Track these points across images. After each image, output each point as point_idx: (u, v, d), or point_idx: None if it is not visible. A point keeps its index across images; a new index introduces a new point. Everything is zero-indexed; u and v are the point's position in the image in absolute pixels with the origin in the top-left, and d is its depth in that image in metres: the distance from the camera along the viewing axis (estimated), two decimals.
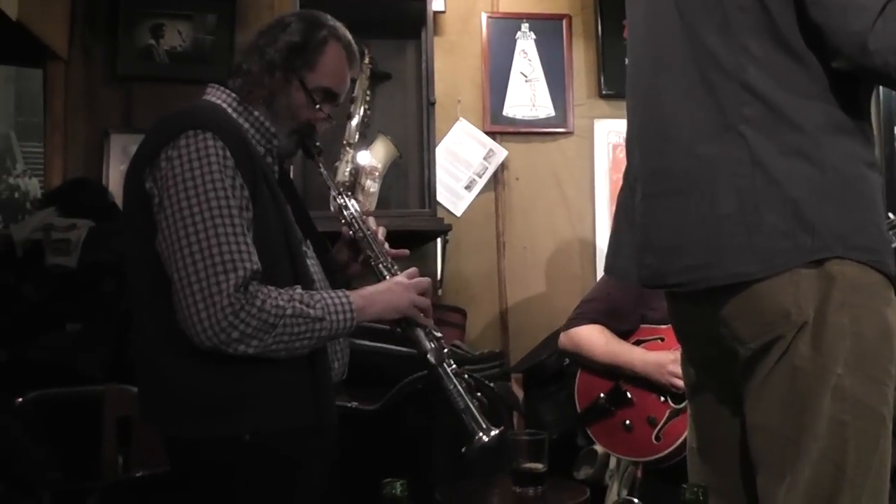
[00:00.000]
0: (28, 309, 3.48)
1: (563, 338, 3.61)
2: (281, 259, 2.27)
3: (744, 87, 1.86)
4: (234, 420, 2.19)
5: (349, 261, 2.62)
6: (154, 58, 4.29)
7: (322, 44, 2.44)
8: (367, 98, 4.16)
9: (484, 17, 4.56)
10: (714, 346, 2.01)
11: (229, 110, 2.38)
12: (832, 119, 1.85)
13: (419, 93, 4.29)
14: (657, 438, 3.29)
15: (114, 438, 2.90)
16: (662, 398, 3.34)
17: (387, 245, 2.56)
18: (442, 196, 4.33)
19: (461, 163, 4.44)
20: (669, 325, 3.33)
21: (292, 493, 2.27)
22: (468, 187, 4.45)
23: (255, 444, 2.20)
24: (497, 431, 2.32)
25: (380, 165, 4.07)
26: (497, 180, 4.50)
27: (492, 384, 3.52)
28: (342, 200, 2.57)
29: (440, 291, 4.28)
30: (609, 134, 4.55)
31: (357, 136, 4.09)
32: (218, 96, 2.42)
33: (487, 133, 4.48)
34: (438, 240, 4.27)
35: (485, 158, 4.46)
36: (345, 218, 2.56)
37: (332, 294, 2.28)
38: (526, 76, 4.55)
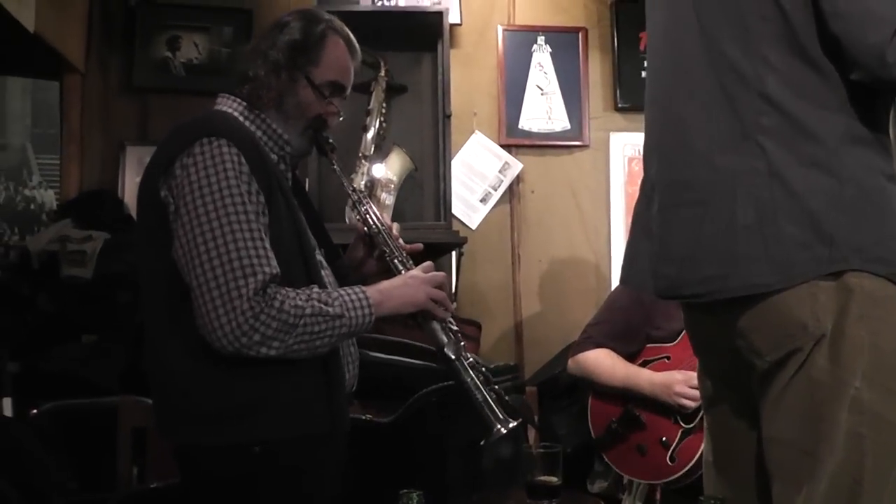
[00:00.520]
0: (43, 320, 3.50)
1: (570, 363, 3.62)
2: (295, 266, 2.27)
3: (763, 97, 1.85)
4: (247, 427, 2.19)
5: (364, 257, 2.60)
6: (170, 70, 4.31)
7: (322, 38, 2.45)
8: (383, 110, 4.16)
9: (500, 29, 4.57)
10: (731, 358, 2.00)
11: (241, 118, 2.39)
12: (851, 130, 1.84)
13: (435, 105, 4.29)
14: (672, 459, 3.29)
15: (129, 449, 2.90)
16: (673, 419, 3.34)
17: (401, 240, 2.56)
18: (457, 209, 4.34)
19: (477, 175, 4.44)
20: (675, 343, 3.37)
21: (304, 502, 2.27)
22: (483, 200, 4.45)
23: (266, 452, 2.20)
24: (515, 423, 2.31)
25: (395, 178, 4.07)
26: (512, 193, 4.51)
27: (506, 397, 3.51)
28: (356, 196, 2.57)
29: (455, 304, 4.27)
30: (625, 147, 4.55)
31: (373, 149, 4.09)
32: (229, 105, 2.42)
33: (503, 146, 4.49)
34: (453, 252, 4.27)
35: (500, 171, 4.46)
36: (359, 213, 2.56)
37: (349, 290, 2.28)
38: (542, 89, 4.55)
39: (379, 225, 2.53)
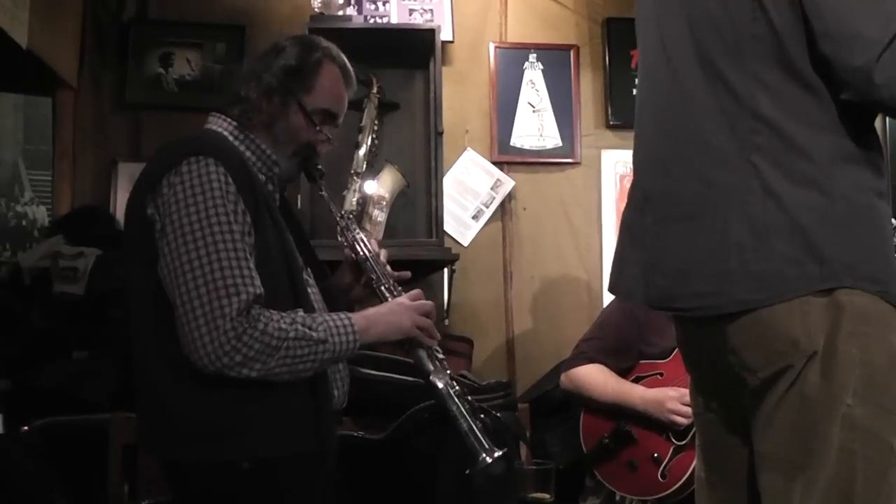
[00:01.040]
0: (35, 336, 3.48)
1: (563, 378, 3.62)
2: (282, 286, 2.27)
3: (755, 116, 1.86)
4: (234, 445, 2.19)
5: (352, 283, 2.61)
6: (163, 86, 4.32)
7: (317, 65, 2.46)
8: (375, 127, 4.18)
9: (492, 47, 4.58)
10: (722, 374, 2.00)
11: (230, 138, 2.39)
12: (843, 149, 1.85)
13: (427, 122, 4.30)
14: (663, 476, 3.30)
15: (120, 467, 2.89)
16: (665, 436, 3.34)
17: (389, 267, 2.56)
18: (449, 226, 4.34)
19: (469, 192, 4.45)
20: (668, 360, 3.38)
21: None
22: (475, 217, 4.46)
23: (254, 470, 2.19)
24: (500, 453, 2.32)
25: (387, 195, 4.08)
26: (504, 210, 4.52)
27: (498, 414, 3.51)
28: (344, 223, 2.58)
29: (447, 321, 4.28)
30: (616, 164, 4.56)
31: (365, 166, 4.10)
32: (219, 124, 2.43)
33: (495, 163, 4.50)
34: (445, 269, 4.27)
35: (492, 188, 4.47)
36: (347, 240, 2.57)
37: (335, 316, 2.28)
38: (533, 106, 4.56)
39: (366, 251, 2.54)
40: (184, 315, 2.11)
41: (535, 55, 4.61)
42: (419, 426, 3.00)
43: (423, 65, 4.32)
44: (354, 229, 2.57)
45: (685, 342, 2.21)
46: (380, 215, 4.06)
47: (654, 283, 2.02)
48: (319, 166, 2.54)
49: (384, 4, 4.50)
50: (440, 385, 2.37)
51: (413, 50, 4.28)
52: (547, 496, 2.65)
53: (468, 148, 4.49)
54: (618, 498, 3.56)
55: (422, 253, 3.99)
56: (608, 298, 4.26)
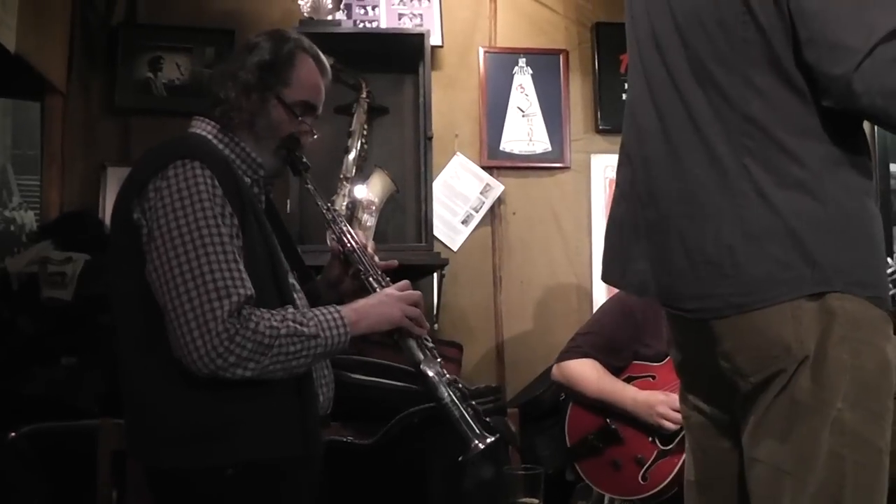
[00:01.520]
0: (23, 342, 3.47)
1: (555, 370, 3.61)
2: (268, 288, 2.27)
3: (747, 119, 1.87)
4: (220, 449, 2.18)
5: (341, 275, 2.60)
6: (152, 91, 4.31)
7: (291, 57, 2.46)
8: (365, 132, 4.17)
9: (481, 51, 4.58)
10: (713, 377, 2.01)
11: (214, 141, 2.40)
12: (832, 153, 1.85)
13: (416, 127, 4.30)
14: (644, 478, 3.30)
15: (108, 473, 2.87)
16: (651, 438, 3.34)
17: (377, 258, 2.56)
18: (438, 230, 4.34)
19: (458, 197, 4.45)
20: (662, 363, 3.37)
21: None
22: (465, 222, 4.45)
23: (239, 475, 2.18)
24: (492, 438, 2.31)
25: (377, 199, 4.07)
26: (494, 215, 4.51)
27: (488, 418, 3.50)
28: (331, 215, 2.57)
29: (436, 326, 4.27)
30: (606, 169, 4.55)
31: (354, 170, 4.09)
32: (203, 128, 2.43)
33: (484, 167, 4.50)
34: (435, 274, 4.27)
35: (482, 193, 4.47)
36: (334, 231, 2.56)
37: (324, 311, 2.28)
38: (523, 111, 4.56)
39: (353, 243, 2.53)
40: (175, 319, 2.10)
41: (524, 60, 4.61)
42: (408, 431, 3.00)
43: (412, 69, 4.32)
44: (341, 221, 2.57)
45: (676, 342, 2.21)
46: (369, 220, 4.06)
47: (661, 280, 2.02)
48: (304, 159, 2.53)
49: (374, 9, 4.50)
50: (430, 373, 2.37)
51: (402, 55, 4.28)
52: (536, 501, 2.65)
53: (458, 152, 4.49)
54: (606, 501, 3.56)
55: (411, 257, 3.99)
56: (598, 302, 4.27)
